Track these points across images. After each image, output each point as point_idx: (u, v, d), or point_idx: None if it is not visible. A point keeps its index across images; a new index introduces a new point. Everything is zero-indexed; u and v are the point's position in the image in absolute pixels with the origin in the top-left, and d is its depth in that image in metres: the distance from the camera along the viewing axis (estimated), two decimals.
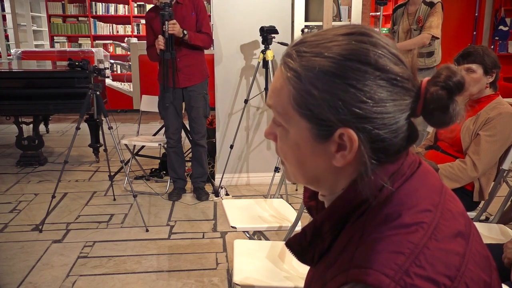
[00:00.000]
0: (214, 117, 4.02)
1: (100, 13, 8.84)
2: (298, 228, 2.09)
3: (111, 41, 8.84)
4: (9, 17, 7.48)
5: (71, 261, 2.71)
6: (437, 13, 3.67)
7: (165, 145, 3.76)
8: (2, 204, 3.59)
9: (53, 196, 3.18)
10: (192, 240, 2.99)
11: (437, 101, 0.62)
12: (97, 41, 8.93)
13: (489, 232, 2.07)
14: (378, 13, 4.72)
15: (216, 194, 3.75)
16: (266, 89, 3.69)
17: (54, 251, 2.84)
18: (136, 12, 8.91)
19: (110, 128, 3.18)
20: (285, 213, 2.26)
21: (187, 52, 3.44)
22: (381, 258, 0.57)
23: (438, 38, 3.73)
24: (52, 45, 8.82)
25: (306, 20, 4.07)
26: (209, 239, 3.01)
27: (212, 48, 3.91)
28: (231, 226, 2.08)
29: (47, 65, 5.53)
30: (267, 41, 3.51)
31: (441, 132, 2.38)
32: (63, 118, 7.06)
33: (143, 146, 4.24)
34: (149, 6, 8.21)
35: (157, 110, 3.70)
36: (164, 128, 3.77)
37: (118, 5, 8.86)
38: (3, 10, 7.43)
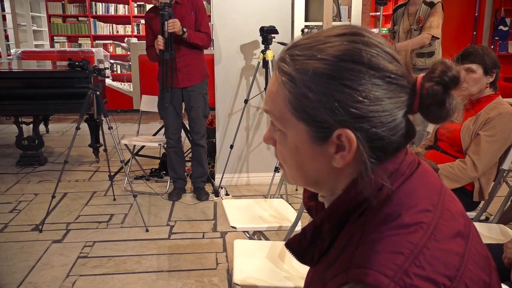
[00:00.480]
0: (214, 117, 4.02)
1: (100, 13, 8.84)
2: (298, 228, 2.09)
3: (111, 41, 8.84)
4: (9, 17, 7.48)
5: (71, 261, 2.71)
6: (437, 13, 3.67)
7: (165, 145, 3.76)
8: (2, 204, 3.59)
9: (53, 196, 3.18)
10: (192, 240, 2.99)
11: (433, 97, 0.62)
12: (97, 41, 8.93)
13: (489, 232, 2.07)
14: (378, 13, 4.72)
15: (216, 194, 3.75)
16: (266, 89, 3.69)
17: (54, 251, 2.84)
18: (136, 12, 8.92)
19: (110, 128, 3.18)
20: (285, 213, 2.26)
21: (187, 52, 3.44)
22: (380, 258, 0.57)
23: (438, 38, 3.73)
24: (52, 45, 8.82)
25: (306, 20, 4.07)
26: (209, 239, 3.01)
27: (212, 48, 3.91)
28: (231, 226, 2.08)
29: (47, 65, 5.53)
30: (267, 41, 3.51)
31: (441, 132, 2.38)
32: (63, 118, 7.06)
33: (143, 146, 4.24)
34: (149, 6, 8.21)
35: (157, 110, 3.70)
36: (164, 128, 3.77)
37: (118, 5, 8.86)
38: (3, 10, 7.43)
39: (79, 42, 8.98)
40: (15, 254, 2.79)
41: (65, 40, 8.95)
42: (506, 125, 2.16)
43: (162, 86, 3.44)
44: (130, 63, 6.86)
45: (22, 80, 4.24)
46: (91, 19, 8.84)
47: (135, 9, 8.92)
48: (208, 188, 3.85)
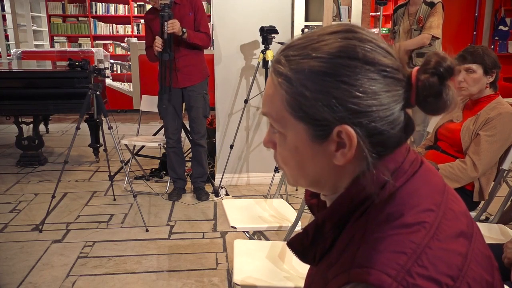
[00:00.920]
0: (214, 117, 4.02)
1: (100, 13, 8.84)
2: (298, 228, 2.09)
3: (111, 41, 8.84)
4: (9, 17, 7.47)
5: (71, 261, 2.71)
6: (438, 13, 3.67)
7: (165, 145, 3.76)
8: (2, 204, 3.59)
9: (53, 196, 3.18)
10: (192, 240, 2.99)
11: (430, 88, 0.63)
12: (97, 41, 8.93)
13: (489, 232, 2.07)
14: (378, 13, 4.72)
15: (216, 194, 3.75)
16: None
17: (54, 251, 2.84)
18: (136, 12, 8.92)
19: (110, 128, 3.18)
20: (285, 213, 2.26)
21: (187, 52, 3.44)
22: (383, 257, 0.57)
23: (438, 38, 3.73)
24: (52, 45, 8.82)
25: (306, 20, 4.08)
26: (209, 239, 3.01)
27: (212, 48, 3.91)
28: (231, 226, 2.08)
29: (47, 65, 5.53)
30: (267, 41, 3.51)
31: (441, 132, 2.38)
32: (63, 118, 7.06)
33: (143, 146, 4.24)
34: (149, 6, 8.21)
35: (157, 110, 3.70)
36: (164, 128, 3.77)
37: (118, 5, 8.86)
38: (3, 10, 7.43)
39: (79, 42, 8.98)
40: (15, 254, 2.79)
41: (65, 40, 8.95)
42: (506, 125, 2.15)
43: (161, 87, 3.45)
44: (130, 63, 6.86)
45: (22, 80, 4.24)
46: (91, 19, 8.84)
47: (135, 9, 8.92)
48: (208, 188, 3.84)
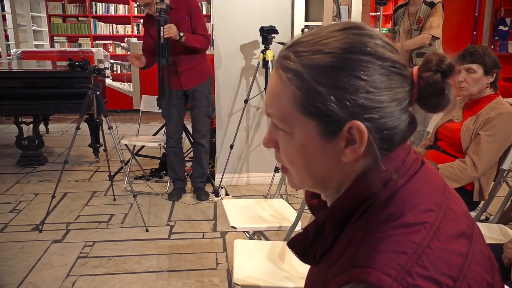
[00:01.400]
0: (214, 117, 4.01)
1: (100, 13, 8.84)
2: (298, 228, 2.09)
3: (111, 41, 8.83)
4: (9, 17, 7.47)
5: (71, 261, 2.71)
6: (438, 13, 3.67)
7: (165, 145, 3.76)
8: (2, 204, 3.59)
9: (53, 196, 3.18)
10: (192, 240, 2.99)
11: (434, 86, 0.63)
12: (97, 41, 8.92)
13: (489, 232, 2.07)
14: (378, 13, 4.72)
15: (216, 194, 3.75)
16: (266, 89, 3.68)
17: (54, 251, 2.84)
18: (136, 12, 8.91)
19: (110, 128, 3.18)
20: (285, 213, 2.26)
21: (187, 56, 3.43)
22: (383, 257, 0.57)
23: (438, 38, 3.73)
24: (52, 45, 8.81)
25: (306, 20, 4.07)
26: (209, 239, 3.01)
27: (212, 48, 3.91)
28: (231, 226, 2.08)
29: (47, 65, 5.53)
30: (267, 41, 3.51)
31: (441, 131, 2.38)
32: (63, 118, 7.06)
33: (143, 146, 4.24)
34: None
35: (157, 110, 3.70)
36: (164, 128, 3.77)
37: (118, 5, 8.86)
38: (3, 10, 7.43)
39: (79, 42, 8.98)
40: (15, 254, 2.79)
41: (65, 40, 8.95)
42: (506, 125, 2.16)
43: (161, 90, 3.43)
44: (130, 63, 6.85)
45: (22, 80, 4.24)
46: (91, 19, 8.84)
47: (135, 9, 8.91)
48: (208, 188, 3.84)
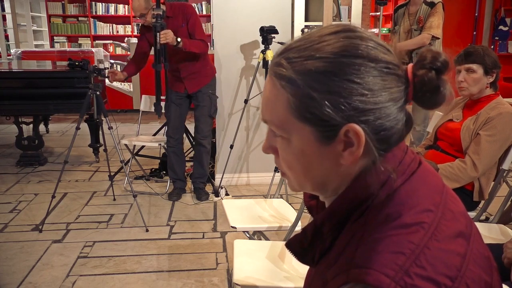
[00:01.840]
0: (215, 117, 4.01)
1: (100, 13, 8.84)
2: (298, 228, 2.09)
3: (111, 41, 8.84)
4: (9, 17, 7.47)
5: (71, 261, 2.71)
6: (438, 13, 3.67)
7: (165, 145, 3.76)
8: (2, 204, 3.59)
9: (53, 196, 3.18)
10: (192, 240, 2.99)
11: (429, 83, 0.64)
12: (97, 41, 8.93)
13: (489, 232, 2.07)
14: (378, 13, 4.72)
15: (216, 194, 3.75)
16: None
17: (54, 251, 2.84)
18: None
19: (110, 128, 3.18)
20: (285, 213, 2.26)
21: (188, 61, 3.44)
22: (381, 258, 0.57)
23: (438, 38, 3.73)
24: (52, 45, 8.82)
25: (306, 20, 4.07)
26: (209, 239, 3.01)
27: (212, 48, 3.91)
28: (231, 226, 2.08)
29: (47, 65, 5.53)
30: (267, 41, 3.51)
31: (441, 131, 2.38)
32: (63, 118, 7.06)
33: (143, 146, 4.24)
34: None
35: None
36: (164, 127, 3.77)
37: (118, 5, 8.86)
38: (3, 10, 7.43)
39: (79, 42, 8.98)
40: (15, 254, 2.79)
41: (65, 40, 8.95)
42: (506, 125, 2.16)
43: (159, 96, 3.44)
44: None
45: (22, 80, 4.24)
46: (91, 19, 8.84)
47: None
48: (208, 188, 3.84)
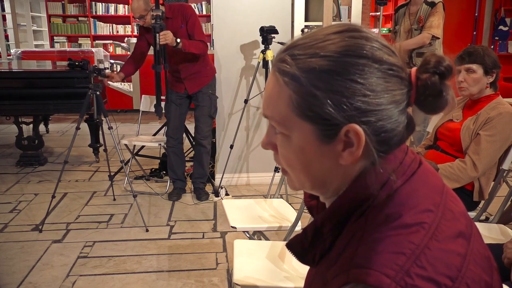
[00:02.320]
0: (215, 117, 4.01)
1: (100, 13, 8.84)
2: (298, 228, 2.09)
3: (111, 41, 8.83)
4: (9, 17, 7.47)
5: (71, 261, 2.71)
6: (438, 13, 3.67)
7: (165, 145, 3.76)
8: (2, 204, 3.59)
9: (53, 196, 3.18)
10: (192, 240, 2.99)
11: (432, 87, 0.63)
12: (97, 41, 8.93)
13: (489, 232, 2.07)
14: (378, 13, 4.72)
15: (216, 194, 3.75)
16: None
17: (54, 251, 2.84)
18: None
19: (110, 128, 3.18)
20: (285, 213, 2.26)
21: (188, 62, 3.44)
22: (382, 258, 0.57)
23: (438, 38, 3.73)
24: (52, 45, 8.82)
25: (306, 20, 4.07)
26: (209, 239, 3.01)
27: (212, 48, 3.91)
28: (231, 226, 2.08)
29: (47, 65, 5.53)
30: (267, 41, 3.51)
31: (441, 131, 2.38)
32: (63, 118, 7.06)
33: (143, 146, 4.24)
34: None
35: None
36: (164, 127, 3.77)
37: (118, 5, 8.86)
38: (3, 10, 7.43)
39: (79, 42, 8.98)
40: (15, 254, 2.79)
41: (65, 40, 8.95)
42: (506, 125, 2.15)
43: (159, 97, 3.44)
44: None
45: (22, 80, 4.23)
46: (91, 19, 8.84)
47: None
48: (208, 188, 3.84)
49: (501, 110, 2.17)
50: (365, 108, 0.61)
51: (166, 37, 3.15)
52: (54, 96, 4.09)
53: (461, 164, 2.17)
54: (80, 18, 8.90)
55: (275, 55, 0.69)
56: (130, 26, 8.97)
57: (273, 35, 3.53)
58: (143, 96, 4.34)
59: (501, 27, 6.71)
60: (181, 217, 3.36)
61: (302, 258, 0.72)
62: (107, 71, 3.50)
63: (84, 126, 4.39)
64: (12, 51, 7.07)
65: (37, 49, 7.75)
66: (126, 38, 8.34)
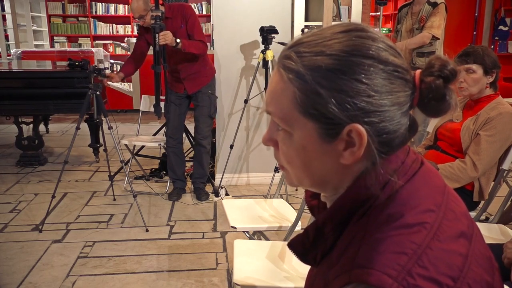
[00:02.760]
0: (214, 117, 4.02)
1: (100, 13, 8.84)
2: (298, 228, 2.09)
3: (111, 41, 8.83)
4: (9, 17, 7.47)
5: (71, 261, 2.71)
6: (439, 14, 3.68)
7: (165, 145, 3.76)
8: (2, 204, 3.59)
9: (53, 196, 3.18)
10: (192, 240, 2.99)
11: (435, 91, 0.63)
12: (97, 41, 8.93)
13: (489, 232, 2.07)
14: (378, 13, 4.72)
15: (216, 194, 3.75)
16: (266, 89, 3.69)
17: (54, 251, 2.84)
18: None
19: (110, 128, 3.18)
20: (285, 213, 2.26)
21: (188, 62, 3.44)
22: (383, 258, 0.57)
23: (438, 39, 3.73)
24: (52, 45, 8.82)
25: (306, 20, 4.07)
26: (209, 239, 3.01)
27: (212, 48, 3.91)
28: (231, 226, 2.08)
29: (47, 65, 5.53)
30: (267, 41, 3.51)
31: (441, 131, 2.38)
32: (63, 118, 7.06)
33: (143, 146, 4.24)
34: None
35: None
36: (164, 127, 3.77)
37: (118, 5, 8.86)
38: (3, 10, 7.43)
39: (79, 42, 8.98)
40: (15, 254, 2.79)
41: (65, 40, 8.95)
42: (506, 125, 2.15)
43: (159, 97, 3.44)
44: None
45: (22, 80, 4.23)
46: (91, 19, 8.84)
47: None
48: (208, 188, 3.84)
49: (501, 110, 2.17)
50: (369, 109, 0.61)
51: (165, 37, 3.15)
52: (54, 96, 4.09)
53: (461, 164, 2.17)
54: (80, 18, 8.90)
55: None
56: (130, 26, 8.97)
57: (273, 35, 3.53)
58: (143, 96, 4.34)
59: (501, 27, 6.71)
60: (181, 217, 3.36)
61: (303, 258, 0.72)
62: (107, 71, 3.50)
63: (84, 126, 4.39)
64: (12, 51, 7.07)
65: (37, 49, 7.75)
66: (126, 38, 8.35)
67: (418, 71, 0.66)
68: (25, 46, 7.72)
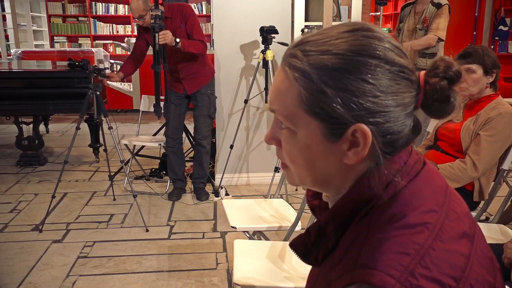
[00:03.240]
0: (214, 117, 4.01)
1: (100, 13, 8.84)
2: (298, 228, 2.09)
3: (111, 41, 8.83)
4: (9, 17, 7.47)
5: (71, 261, 2.71)
6: (444, 15, 3.68)
7: (165, 145, 3.76)
8: (2, 204, 3.59)
9: (53, 196, 3.18)
10: (192, 240, 2.99)
11: (440, 92, 0.64)
12: (97, 41, 8.92)
13: (489, 232, 2.08)
14: (378, 13, 4.72)
15: (216, 194, 3.75)
16: (266, 89, 3.69)
17: (54, 251, 2.84)
18: None
19: (110, 128, 3.18)
20: (285, 213, 2.26)
21: (187, 61, 3.44)
22: (386, 258, 0.57)
23: (443, 41, 3.74)
24: (52, 45, 8.81)
25: (306, 20, 4.07)
26: (209, 239, 3.01)
27: (212, 48, 3.91)
28: (231, 226, 2.08)
29: (47, 65, 5.52)
30: (267, 41, 3.51)
31: (441, 131, 2.38)
32: (63, 118, 7.06)
33: (143, 146, 4.24)
34: None
35: None
36: (164, 127, 3.77)
37: (118, 5, 8.86)
38: (3, 10, 7.42)
39: (79, 42, 8.98)
40: (15, 254, 2.79)
41: (65, 40, 8.95)
42: (506, 125, 2.15)
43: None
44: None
45: (22, 80, 4.23)
46: (91, 19, 8.84)
47: None
48: (208, 188, 3.84)
49: (501, 110, 2.17)
50: (374, 109, 0.61)
51: (165, 37, 3.15)
52: (54, 96, 4.09)
53: (461, 164, 2.17)
54: (80, 18, 8.89)
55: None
56: (130, 26, 8.97)
57: (273, 35, 3.53)
58: (143, 96, 4.34)
59: (501, 27, 6.71)
60: (181, 217, 3.36)
61: (305, 258, 0.72)
62: (107, 71, 3.50)
63: (84, 126, 4.39)
64: (12, 51, 7.07)
65: (37, 49, 7.75)
66: (126, 38, 8.34)
67: (422, 72, 0.66)
68: (25, 46, 7.72)
